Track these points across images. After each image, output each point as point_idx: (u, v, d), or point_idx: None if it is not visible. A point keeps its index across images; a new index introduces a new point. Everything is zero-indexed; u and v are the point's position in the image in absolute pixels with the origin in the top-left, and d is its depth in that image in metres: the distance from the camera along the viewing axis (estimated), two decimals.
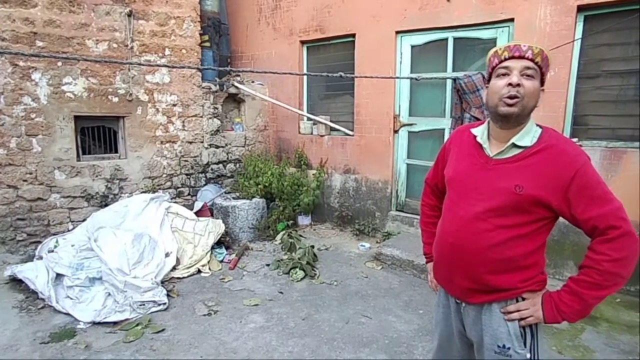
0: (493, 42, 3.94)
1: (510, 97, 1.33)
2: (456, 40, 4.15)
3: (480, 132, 1.50)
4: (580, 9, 3.47)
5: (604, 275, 1.28)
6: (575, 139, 3.63)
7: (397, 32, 4.51)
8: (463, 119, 2.80)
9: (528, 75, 1.33)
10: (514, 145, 1.39)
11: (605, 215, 1.28)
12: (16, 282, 3.43)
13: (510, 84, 1.33)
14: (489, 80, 1.46)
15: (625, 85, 3.42)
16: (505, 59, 1.36)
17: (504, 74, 1.36)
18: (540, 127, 1.42)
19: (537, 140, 1.38)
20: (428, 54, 4.42)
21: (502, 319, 1.42)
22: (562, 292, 1.36)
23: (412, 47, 4.47)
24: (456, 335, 1.61)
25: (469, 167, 1.48)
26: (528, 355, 1.40)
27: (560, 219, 1.40)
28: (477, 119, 2.69)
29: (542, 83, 1.38)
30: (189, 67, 4.38)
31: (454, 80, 2.87)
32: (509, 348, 1.41)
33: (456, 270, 1.48)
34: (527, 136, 1.38)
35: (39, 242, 4.01)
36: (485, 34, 3.99)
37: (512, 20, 3.79)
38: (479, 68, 4.02)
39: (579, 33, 3.55)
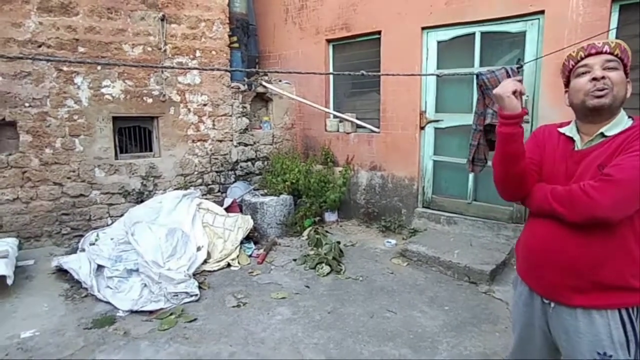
0: (522, 35, 3.86)
1: (599, 90, 1.33)
2: (483, 34, 4.09)
3: (569, 129, 1.51)
4: None
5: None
6: None
7: (423, 28, 4.49)
8: (486, 114, 2.78)
9: (610, 68, 1.34)
10: (602, 135, 1.39)
11: (617, 165, 1.27)
12: (62, 273, 3.68)
13: (594, 79, 1.34)
14: (567, 85, 1.47)
15: None
16: (582, 58, 1.39)
17: (584, 73, 1.38)
18: (632, 117, 1.40)
19: (626, 129, 1.36)
20: (455, 50, 4.37)
21: (603, 326, 1.35)
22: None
23: (439, 42, 4.44)
24: (538, 335, 1.55)
25: (559, 160, 1.48)
26: None
27: None
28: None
29: (626, 75, 1.37)
30: (218, 69, 4.54)
31: (477, 75, 2.85)
32: (611, 356, 1.34)
33: (551, 263, 1.42)
34: (617, 127, 1.37)
35: (82, 235, 4.27)
36: (513, 27, 3.91)
37: (542, 12, 3.70)
38: (507, 63, 3.95)
39: (613, 24, 3.43)
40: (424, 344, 2.79)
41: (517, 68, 2.80)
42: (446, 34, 4.36)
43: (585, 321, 1.38)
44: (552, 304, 1.46)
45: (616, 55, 1.35)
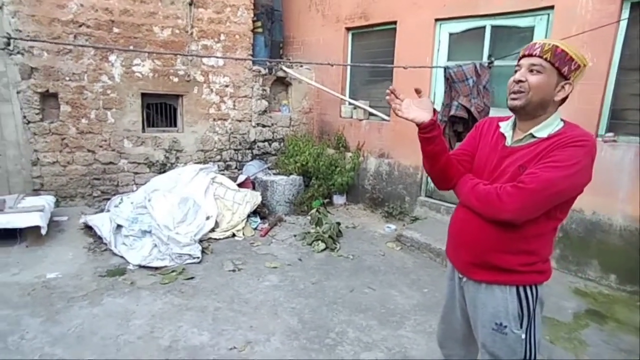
0: (530, 30, 3.85)
1: (514, 92, 1.44)
2: (494, 28, 4.10)
3: (505, 124, 1.61)
4: None
5: (470, 184, 1.55)
6: (610, 134, 3.49)
7: (437, 20, 4.54)
8: (451, 106, 2.87)
9: (533, 71, 1.41)
10: (532, 136, 1.48)
11: (532, 173, 1.36)
12: (88, 229, 4.17)
13: (514, 80, 1.45)
14: None
15: None
16: (521, 57, 1.48)
17: (516, 71, 1.48)
18: (564, 122, 1.47)
19: (554, 133, 1.43)
20: (465, 42, 4.40)
21: (502, 299, 1.50)
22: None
23: (450, 34, 4.48)
24: (457, 307, 1.74)
25: (490, 154, 1.60)
26: (523, 336, 1.50)
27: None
28: (464, 107, 2.76)
29: (564, 77, 1.40)
30: (240, 59, 4.85)
31: (445, 69, 2.94)
32: (505, 326, 1.51)
33: (463, 244, 1.61)
34: (546, 129, 1.45)
35: (109, 199, 4.77)
36: (523, 22, 3.90)
37: (552, 7, 3.67)
38: (516, 57, 3.95)
39: (624, 22, 3.36)
40: (393, 318, 3.00)
41: (488, 64, 2.86)
42: (458, 26, 4.40)
43: (487, 294, 1.56)
44: (464, 279, 1.65)
45: (545, 59, 1.38)
